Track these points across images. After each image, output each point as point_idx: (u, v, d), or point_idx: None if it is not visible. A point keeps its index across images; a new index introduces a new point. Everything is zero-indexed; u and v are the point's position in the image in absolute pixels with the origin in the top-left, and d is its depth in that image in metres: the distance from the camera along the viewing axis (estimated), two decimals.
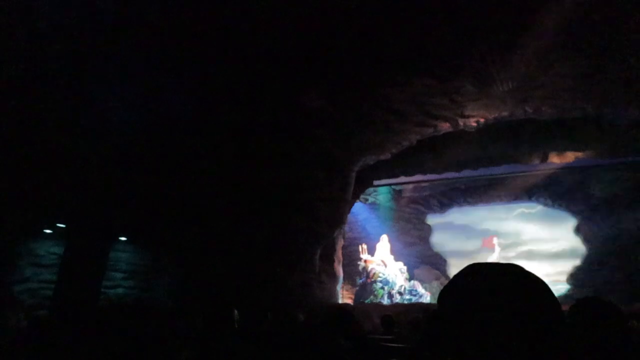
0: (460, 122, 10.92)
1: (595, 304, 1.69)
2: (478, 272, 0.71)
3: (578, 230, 16.32)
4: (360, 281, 15.04)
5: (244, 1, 8.55)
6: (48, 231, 9.78)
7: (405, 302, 13.45)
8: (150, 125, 9.87)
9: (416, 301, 13.47)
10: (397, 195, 18.90)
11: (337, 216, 11.75)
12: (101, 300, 10.10)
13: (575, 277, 15.67)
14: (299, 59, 9.90)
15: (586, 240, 16.00)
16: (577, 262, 16.01)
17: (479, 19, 8.86)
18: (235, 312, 3.31)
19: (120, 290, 11.14)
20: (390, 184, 17.14)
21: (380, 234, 16.21)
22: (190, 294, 10.38)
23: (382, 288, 14.19)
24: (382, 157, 11.75)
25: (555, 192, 16.76)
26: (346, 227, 14.84)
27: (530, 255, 16.89)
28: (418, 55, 9.79)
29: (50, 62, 8.28)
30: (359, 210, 17.96)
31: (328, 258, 12.64)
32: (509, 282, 0.67)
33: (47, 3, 7.41)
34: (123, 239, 11.24)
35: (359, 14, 8.84)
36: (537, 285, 0.68)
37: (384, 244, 15.65)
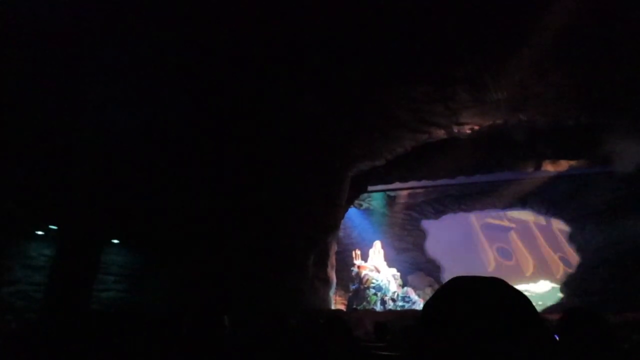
0: (455, 129, 10.99)
1: (581, 315, 1.68)
2: (461, 286, 0.71)
3: (571, 238, 16.40)
4: (354, 287, 15.00)
5: (243, 5, 8.57)
6: (40, 233, 9.68)
7: (399, 308, 13.43)
8: (145, 128, 9.84)
9: (409, 308, 13.44)
10: (391, 201, 18.94)
11: (331, 221, 11.74)
12: (92, 304, 9.99)
13: (568, 285, 15.73)
14: (296, 64, 9.92)
15: (579, 248, 16.08)
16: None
17: (474, 28, 8.94)
18: (225, 317, 3.29)
19: (111, 294, 11.02)
20: (384, 190, 17.18)
21: (374, 240, 16.20)
22: (182, 298, 10.30)
23: (375, 294, 14.17)
24: (377, 163, 11.78)
25: (549, 200, 16.87)
26: (340, 233, 14.81)
27: None
28: (414, 63, 9.85)
29: (43, 66, 8.24)
30: (353, 216, 17.96)
31: (321, 263, 12.60)
32: (491, 296, 0.67)
33: (46, 4, 7.40)
34: (115, 241, 11.14)
35: (357, 21, 8.89)
36: (518, 299, 0.68)
37: (377, 250, 15.65)
